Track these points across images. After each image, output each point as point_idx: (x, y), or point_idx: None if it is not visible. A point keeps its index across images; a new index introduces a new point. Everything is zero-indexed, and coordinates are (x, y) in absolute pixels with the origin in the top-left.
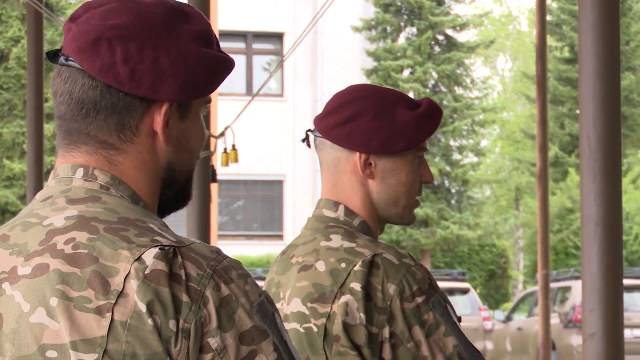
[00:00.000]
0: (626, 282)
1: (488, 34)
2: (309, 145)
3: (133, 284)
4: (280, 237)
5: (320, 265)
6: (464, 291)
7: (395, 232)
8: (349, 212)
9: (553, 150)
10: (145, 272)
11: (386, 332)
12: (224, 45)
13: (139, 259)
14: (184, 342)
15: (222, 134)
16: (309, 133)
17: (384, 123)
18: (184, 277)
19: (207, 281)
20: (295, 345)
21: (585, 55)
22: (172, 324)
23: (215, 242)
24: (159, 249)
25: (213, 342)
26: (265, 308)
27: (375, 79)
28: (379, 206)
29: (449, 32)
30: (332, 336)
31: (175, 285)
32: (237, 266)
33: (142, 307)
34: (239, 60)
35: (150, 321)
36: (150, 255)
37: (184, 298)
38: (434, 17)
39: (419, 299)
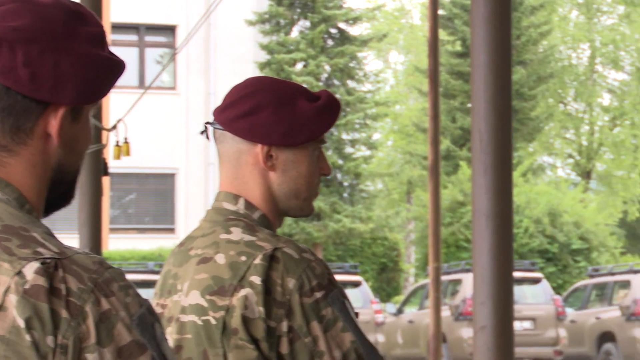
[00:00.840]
0: (516, 274)
1: (381, 27)
2: (207, 138)
3: (12, 299)
4: (172, 230)
5: (220, 258)
6: (356, 284)
7: (288, 226)
8: (249, 205)
9: (445, 143)
10: (25, 287)
11: (284, 326)
12: (116, 37)
13: (19, 272)
14: (61, 357)
15: (114, 127)
16: (208, 125)
17: (284, 115)
18: (64, 292)
19: (88, 296)
20: (192, 338)
21: (477, 49)
22: (50, 340)
23: (107, 235)
24: (41, 262)
25: (90, 357)
26: (145, 320)
27: (268, 72)
28: (280, 199)
29: (342, 25)
30: (231, 329)
31: (55, 300)
32: (119, 277)
33: (21, 323)
34: (132, 53)
35: (28, 337)
36: (30, 270)
37: (64, 314)
38: (327, 10)
39: (318, 294)
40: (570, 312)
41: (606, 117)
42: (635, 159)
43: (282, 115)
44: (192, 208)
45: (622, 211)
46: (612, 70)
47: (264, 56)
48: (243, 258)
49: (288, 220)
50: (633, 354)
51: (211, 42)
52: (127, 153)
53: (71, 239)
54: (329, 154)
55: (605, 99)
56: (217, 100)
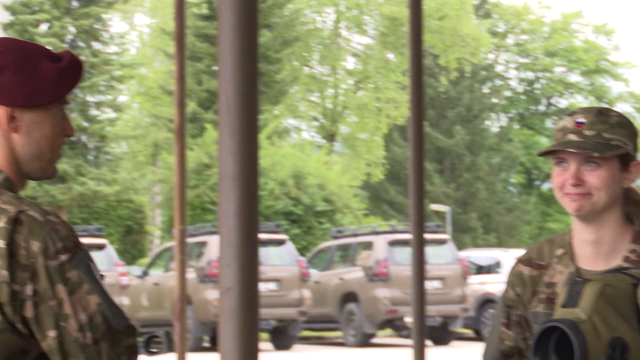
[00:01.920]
0: (261, 236)
1: None
2: None
3: None
4: None
5: None
6: (100, 247)
7: (32, 188)
8: None
9: (191, 106)
10: None
11: (29, 289)
12: None
13: None
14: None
15: None
16: None
17: (27, 76)
18: None
19: None
20: None
21: (224, 12)
22: None
23: None
24: None
25: None
26: None
27: (11, 34)
28: (23, 161)
29: None
30: None
31: None
32: None
33: None
34: None
35: None
36: None
37: None
38: None
39: (63, 257)
40: (314, 273)
41: (350, 80)
42: (378, 122)
43: (24, 76)
44: None
45: (366, 173)
46: (357, 34)
47: (7, 17)
48: None
49: (32, 183)
50: (375, 314)
51: None
52: None
53: None
54: (74, 116)
55: (350, 63)
56: None
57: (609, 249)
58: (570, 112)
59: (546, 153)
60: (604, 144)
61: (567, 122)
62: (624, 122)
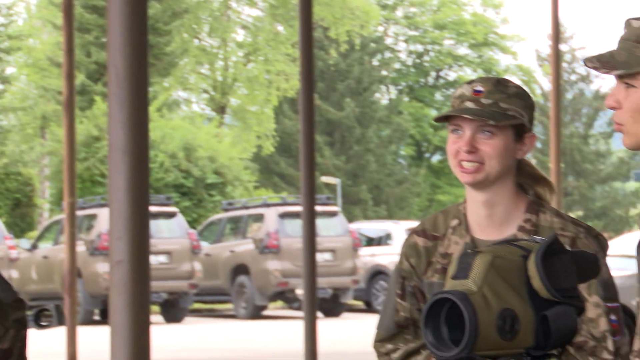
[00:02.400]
0: (152, 209)
1: None
2: None
3: None
4: None
5: None
6: None
7: None
8: None
9: (80, 78)
10: None
11: None
12: None
13: None
14: None
15: None
16: None
17: None
18: None
19: None
20: None
21: None
22: None
23: None
24: None
25: None
26: None
27: None
28: None
29: None
30: None
31: None
32: None
33: None
34: None
35: None
36: None
37: None
38: None
39: None
40: (205, 246)
41: (240, 52)
42: (268, 94)
43: None
44: None
45: (256, 146)
46: (246, 6)
47: None
48: None
49: None
50: (266, 286)
51: None
52: None
53: None
54: None
55: (240, 35)
56: None
57: (503, 218)
58: (469, 81)
59: (442, 119)
60: (500, 113)
61: (465, 89)
62: (521, 94)
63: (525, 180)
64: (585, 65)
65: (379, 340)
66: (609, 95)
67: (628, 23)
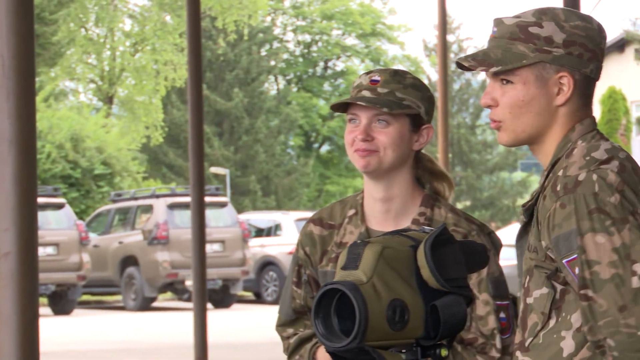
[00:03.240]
0: (39, 200)
1: None
2: None
3: None
4: None
5: None
6: None
7: None
8: None
9: None
10: None
11: None
12: None
13: None
14: None
15: None
16: None
17: None
18: None
19: None
20: None
21: None
22: None
23: None
24: None
25: None
26: None
27: None
28: None
29: None
30: None
31: None
32: None
33: None
34: None
35: None
36: None
37: None
38: None
39: None
40: (93, 237)
41: (127, 42)
42: (156, 84)
43: None
44: None
45: (145, 136)
46: None
47: None
48: None
49: None
50: (155, 277)
51: None
52: None
53: None
54: None
55: (127, 25)
56: None
57: (399, 209)
58: (368, 72)
59: (338, 108)
60: (395, 102)
61: (363, 79)
62: (418, 85)
63: (424, 175)
64: (460, 66)
65: (280, 325)
66: (485, 94)
67: (500, 21)
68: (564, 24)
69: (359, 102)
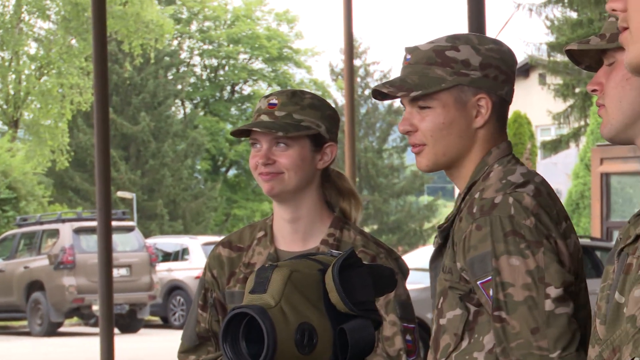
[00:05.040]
0: None
1: None
2: None
3: None
4: None
5: None
6: None
7: None
8: None
9: None
10: None
11: None
12: None
13: None
14: None
15: None
16: None
17: None
18: None
19: None
20: None
21: None
22: None
23: None
24: None
25: None
26: None
27: None
28: None
29: None
30: None
31: None
32: None
33: None
34: None
35: None
36: None
37: None
38: None
39: None
40: None
41: (33, 65)
42: (62, 108)
43: None
44: None
45: (50, 160)
46: (39, 19)
47: None
48: None
49: None
50: (62, 302)
51: None
52: None
53: None
54: None
55: (32, 48)
56: None
57: (307, 230)
58: (267, 95)
59: (240, 134)
60: (292, 124)
61: (262, 103)
62: (317, 105)
63: (332, 194)
64: (376, 94)
65: (183, 352)
66: (403, 121)
67: (414, 48)
68: (479, 47)
69: (254, 129)
